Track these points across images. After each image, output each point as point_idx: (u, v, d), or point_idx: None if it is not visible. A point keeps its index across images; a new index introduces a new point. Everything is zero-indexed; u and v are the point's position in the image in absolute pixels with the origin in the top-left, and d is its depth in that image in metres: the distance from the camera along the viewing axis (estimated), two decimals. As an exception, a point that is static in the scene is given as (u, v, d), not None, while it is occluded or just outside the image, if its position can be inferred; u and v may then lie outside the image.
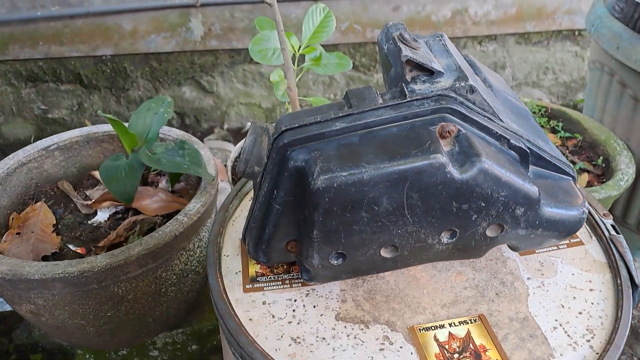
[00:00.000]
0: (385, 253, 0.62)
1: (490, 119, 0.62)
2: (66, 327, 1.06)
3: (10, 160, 1.17)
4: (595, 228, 0.77)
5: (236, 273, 0.72)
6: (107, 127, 1.26)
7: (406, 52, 0.61)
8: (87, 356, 1.26)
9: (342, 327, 0.65)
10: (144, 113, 1.16)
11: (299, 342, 0.63)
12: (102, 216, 1.17)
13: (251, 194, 0.83)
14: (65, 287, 0.94)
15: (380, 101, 0.62)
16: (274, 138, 0.60)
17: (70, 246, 1.11)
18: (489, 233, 0.62)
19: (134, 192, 1.09)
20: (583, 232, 0.77)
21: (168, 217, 1.16)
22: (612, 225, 0.76)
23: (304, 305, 0.67)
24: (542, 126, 1.40)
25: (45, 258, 1.06)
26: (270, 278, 0.71)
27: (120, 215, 1.17)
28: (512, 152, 0.63)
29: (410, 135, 0.58)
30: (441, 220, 0.59)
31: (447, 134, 0.58)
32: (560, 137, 1.38)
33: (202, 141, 2.06)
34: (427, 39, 0.70)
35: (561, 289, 0.69)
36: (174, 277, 1.05)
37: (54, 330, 1.09)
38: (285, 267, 0.72)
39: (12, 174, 1.17)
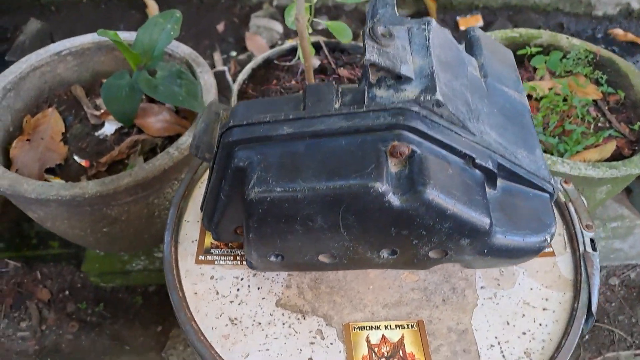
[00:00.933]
0: (323, 259, 0.61)
1: (458, 134, 0.57)
2: (69, 234, 1.13)
3: (23, 64, 1.18)
4: (572, 239, 0.72)
5: (192, 241, 0.73)
6: (120, 35, 1.23)
7: (370, 55, 0.55)
8: (97, 250, 1.36)
9: (279, 314, 0.66)
10: (150, 28, 1.12)
11: (236, 324, 0.65)
12: (108, 129, 1.19)
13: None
14: (60, 206, 0.99)
15: (337, 105, 0.57)
16: (220, 132, 0.58)
17: (76, 158, 1.14)
18: (432, 255, 0.59)
19: (133, 114, 1.09)
20: (558, 242, 0.73)
21: (170, 139, 1.16)
22: (591, 240, 0.71)
23: (249, 286, 0.68)
24: (585, 76, 1.28)
25: (49, 170, 1.10)
26: (224, 252, 0.71)
27: (126, 130, 1.18)
28: (477, 171, 0.58)
29: (357, 152, 0.53)
30: (379, 241, 0.56)
31: (399, 155, 0.54)
32: (602, 91, 1.26)
33: (250, 17, 2.01)
34: (412, 25, 0.62)
35: (513, 303, 0.67)
36: (167, 202, 1.08)
37: (61, 233, 1.16)
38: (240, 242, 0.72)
39: (25, 78, 1.18)
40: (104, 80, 1.25)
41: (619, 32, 2.09)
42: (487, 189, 0.58)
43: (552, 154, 1.12)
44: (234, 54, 1.99)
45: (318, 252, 0.59)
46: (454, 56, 0.63)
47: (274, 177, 0.53)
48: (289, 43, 1.38)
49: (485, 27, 2.08)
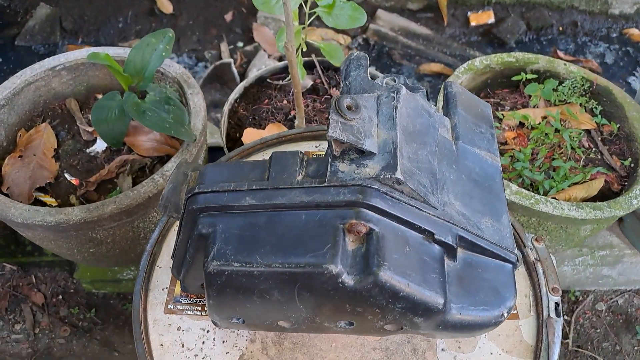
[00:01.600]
0: (283, 324, 0.62)
1: (419, 209, 0.57)
2: (58, 252, 1.16)
3: (18, 79, 1.19)
4: (537, 302, 0.73)
5: (163, 289, 0.74)
6: (113, 51, 1.24)
7: (333, 131, 0.56)
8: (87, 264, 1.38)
9: (242, 371, 0.68)
10: (142, 49, 1.13)
11: (198, 379, 0.67)
12: (100, 145, 1.20)
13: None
14: (46, 231, 1.01)
15: (300, 177, 0.58)
16: (186, 197, 0.59)
17: (67, 175, 1.16)
18: (388, 328, 0.60)
19: (121, 137, 1.10)
20: (523, 304, 0.73)
21: (160, 159, 1.17)
22: (555, 304, 0.72)
23: (214, 339, 0.70)
24: (580, 105, 1.26)
25: (40, 188, 1.12)
26: (192, 301, 0.73)
27: (118, 148, 1.20)
28: (436, 246, 0.58)
29: (315, 228, 0.54)
30: (335, 314, 0.58)
31: (356, 233, 0.55)
32: (596, 122, 1.24)
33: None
34: (382, 93, 0.62)
35: (472, 369, 0.68)
36: (152, 225, 1.10)
37: (50, 250, 1.19)
38: (209, 292, 0.74)
39: (19, 93, 1.20)
40: (98, 96, 1.27)
41: (634, 31, 2.04)
42: (446, 261, 0.58)
43: (537, 190, 1.11)
44: (240, 44, 1.99)
45: (277, 319, 0.61)
46: (423, 123, 0.63)
47: (232, 250, 0.54)
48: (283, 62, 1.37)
49: (497, 24, 2.05)
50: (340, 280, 0.52)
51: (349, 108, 0.57)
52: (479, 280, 0.60)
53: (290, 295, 0.55)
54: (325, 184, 0.55)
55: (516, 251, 0.61)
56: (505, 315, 0.59)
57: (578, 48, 2.05)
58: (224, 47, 1.98)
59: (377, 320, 0.57)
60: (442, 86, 0.75)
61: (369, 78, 0.66)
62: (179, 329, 0.71)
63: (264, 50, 1.93)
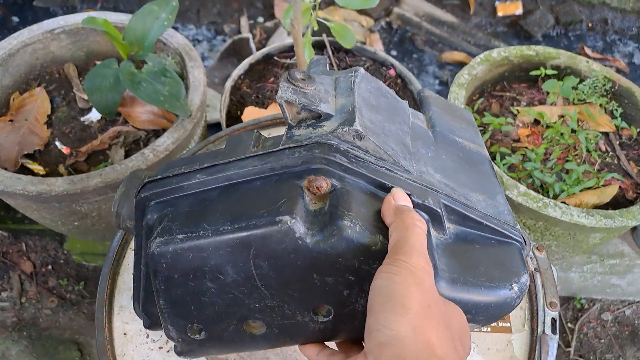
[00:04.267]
0: (250, 329, 0.52)
1: (389, 170, 0.50)
2: (42, 222, 1.12)
3: (14, 40, 1.15)
4: (533, 317, 0.67)
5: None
6: (115, 17, 1.19)
7: (283, 92, 0.50)
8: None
9: (208, 368, 0.63)
10: (144, 17, 1.07)
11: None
12: (95, 115, 1.16)
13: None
14: (27, 200, 0.97)
15: (254, 149, 0.52)
16: (136, 191, 0.53)
17: (57, 143, 1.12)
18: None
19: (114, 108, 1.06)
20: (517, 316, 0.68)
21: (155, 132, 1.13)
22: (552, 320, 0.66)
23: None
24: (600, 105, 1.19)
25: (28, 155, 1.08)
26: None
27: (112, 118, 1.15)
28: (419, 211, 0.51)
29: (271, 192, 0.48)
30: (305, 294, 0.48)
31: (316, 189, 0.48)
32: (615, 125, 1.17)
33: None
34: (340, 75, 0.57)
35: (455, 384, 0.63)
36: (141, 202, 1.05)
37: (35, 220, 1.15)
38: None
39: (15, 54, 1.15)
40: (98, 63, 1.22)
41: (666, 33, 1.95)
42: (432, 232, 0.50)
43: (547, 193, 1.05)
44: (261, 20, 1.93)
45: (241, 317, 0.52)
46: (388, 103, 0.57)
47: (178, 225, 0.47)
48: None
49: (525, 16, 1.97)
50: (298, 236, 0.44)
51: (302, 79, 0.52)
52: (478, 255, 0.51)
53: (246, 271, 0.46)
54: (280, 148, 0.50)
55: (519, 228, 0.54)
56: (517, 291, 0.48)
57: (606, 46, 1.96)
58: (244, 21, 1.93)
59: (355, 296, 0.47)
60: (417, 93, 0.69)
61: (328, 70, 0.60)
62: None
63: (284, 28, 1.87)
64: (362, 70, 0.55)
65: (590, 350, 1.36)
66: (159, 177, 0.52)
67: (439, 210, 0.49)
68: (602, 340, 1.37)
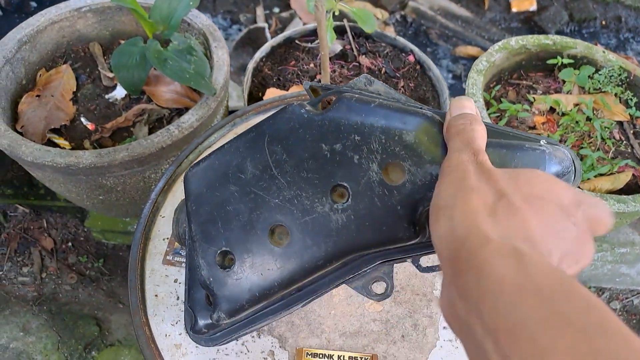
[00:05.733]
0: (276, 242, 0.50)
1: (403, 104, 0.51)
2: (67, 196, 1.15)
3: (42, 17, 1.18)
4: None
5: (164, 239, 0.72)
6: (141, -1, 1.21)
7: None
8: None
9: (236, 329, 0.66)
10: (170, -4, 1.10)
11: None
12: (119, 92, 1.18)
13: (210, 149, 0.80)
14: (56, 172, 0.99)
15: None
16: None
17: (83, 119, 1.15)
18: (389, 180, 0.47)
19: (141, 84, 1.08)
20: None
21: (178, 111, 1.15)
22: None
23: (211, 294, 0.68)
24: (615, 95, 1.21)
25: (55, 130, 1.11)
26: (193, 254, 0.71)
27: (137, 96, 1.18)
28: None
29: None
30: (319, 173, 0.48)
31: (326, 103, 0.50)
32: (630, 114, 1.19)
33: None
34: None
35: (474, 350, 0.65)
36: (165, 178, 1.08)
37: (60, 193, 1.18)
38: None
39: (42, 32, 1.18)
40: (122, 42, 1.25)
41: (680, 31, 1.96)
42: None
43: (562, 178, 1.07)
44: (277, 10, 1.95)
45: (266, 225, 0.50)
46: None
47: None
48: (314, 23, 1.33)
49: (539, 12, 1.99)
50: (304, 111, 0.48)
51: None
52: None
53: (263, 160, 0.49)
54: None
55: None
56: (544, 143, 0.46)
57: (619, 44, 1.97)
58: (260, 11, 1.94)
59: (367, 160, 0.47)
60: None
61: None
62: (175, 281, 0.69)
63: (300, 18, 1.89)
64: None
65: (598, 338, 1.38)
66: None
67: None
68: (611, 329, 1.39)
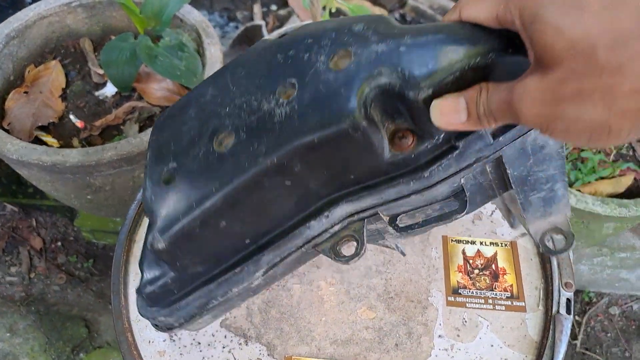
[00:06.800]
0: (219, 148, 0.46)
1: None
2: (55, 195, 1.12)
3: (31, 11, 1.15)
4: (548, 296, 0.67)
5: (149, 240, 0.70)
6: (132, -6, 1.18)
7: None
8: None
9: (222, 336, 0.63)
10: (162, -9, 1.07)
11: (174, 340, 0.63)
12: (109, 90, 1.16)
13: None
14: (41, 171, 0.97)
15: None
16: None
17: (72, 117, 1.12)
18: (335, 67, 0.43)
19: (131, 81, 1.05)
20: (532, 296, 0.67)
21: (168, 109, 1.13)
22: (567, 300, 0.66)
23: (197, 298, 0.65)
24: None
25: (43, 128, 1.09)
26: (178, 257, 0.68)
27: (127, 93, 1.15)
28: None
29: None
30: (270, 77, 0.46)
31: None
32: None
33: None
34: None
35: (469, 359, 0.63)
36: (154, 177, 1.05)
37: (48, 193, 1.15)
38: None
39: (31, 26, 1.15)
40: (113, 37, 1.22)
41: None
42: None
43: (562, 181, 1.04)
44: (274, 8, 1.93)
45: (213, 132, 0.47)
46: None
47: None
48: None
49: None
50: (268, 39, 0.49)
51: None
52: None
53: (224, 82, 0.50)
54: None
55: None
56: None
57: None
58: (257, 8, 1.92)
59: (316, 53, 0.45)
60: None
61: None
62: (161, 284, 0.66)
63: (297, 16, 1.86)
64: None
65: (596, 344, 1.36)
66: None
67: None
68: (609, 334, 1.37)
